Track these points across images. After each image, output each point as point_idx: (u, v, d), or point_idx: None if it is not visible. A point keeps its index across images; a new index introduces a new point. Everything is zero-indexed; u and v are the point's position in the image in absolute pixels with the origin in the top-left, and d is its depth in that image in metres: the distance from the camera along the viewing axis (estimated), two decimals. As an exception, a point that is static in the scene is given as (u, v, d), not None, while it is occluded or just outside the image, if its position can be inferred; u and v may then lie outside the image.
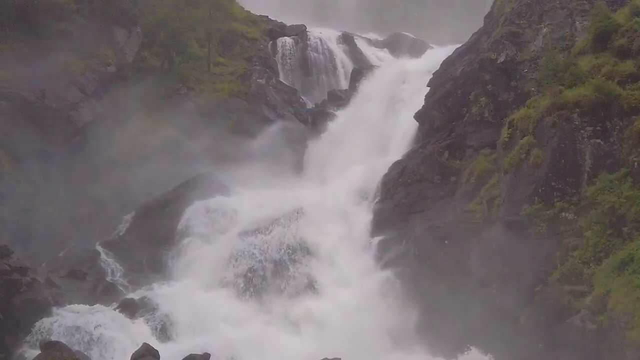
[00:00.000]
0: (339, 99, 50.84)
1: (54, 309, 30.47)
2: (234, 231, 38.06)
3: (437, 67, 42.78)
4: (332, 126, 47.88)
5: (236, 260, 36.25)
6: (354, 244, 37.03)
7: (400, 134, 42.64)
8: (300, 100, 51.93)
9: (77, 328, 29.58)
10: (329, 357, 27.59)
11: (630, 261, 25.82)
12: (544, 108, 30.51)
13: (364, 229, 37.26)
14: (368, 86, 49.32)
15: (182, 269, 36.83)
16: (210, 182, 40.83)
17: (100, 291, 34.15)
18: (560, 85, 30.44)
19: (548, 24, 35.89)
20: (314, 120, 49.46)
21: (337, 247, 37.01)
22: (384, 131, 44.02)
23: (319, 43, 57.58)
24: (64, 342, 28.10)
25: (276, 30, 58.72)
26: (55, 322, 29.75)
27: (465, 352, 28.42)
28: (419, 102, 41.38)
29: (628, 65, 29.96)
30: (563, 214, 28.91)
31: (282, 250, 36.47)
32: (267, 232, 37.43)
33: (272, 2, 69.66)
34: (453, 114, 38.20)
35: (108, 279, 35.74)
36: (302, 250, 36.54)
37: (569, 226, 28.62)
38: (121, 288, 35.02)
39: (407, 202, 36.53)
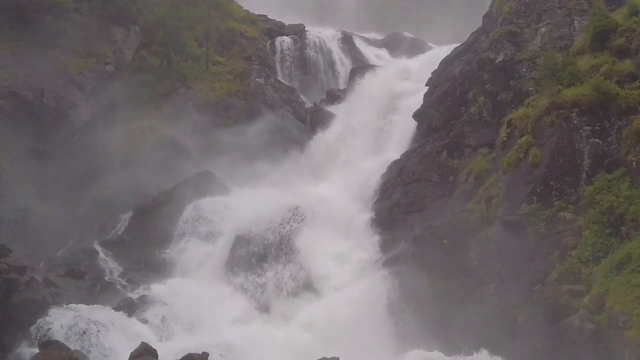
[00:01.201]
0: (338, 98, 50.83)
1: (52, 308, 30.39)
2: (217, 264, 36.11)
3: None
4: (330, 125, 47.91)
5: (222, 311, 33.38)
6: (356, 242, 36.82)
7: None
8: (299, 99, 51.94)
9: (76, 327, 29.47)
10: (327, 357, 27.54)
11: (628, 260, 25.83)
12: (543, 107, 30.52)
13: (362, 229, 37.21)
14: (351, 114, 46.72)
15: (180, 268, 36.79)
16: (208, 181, 40.83)
17: (99, 290, 34.11)
18: (558, 85, 30.45)
19: (547, 24, 35.89)
20: (313, 120, 49.45)
21: (345, 276, 34.89)
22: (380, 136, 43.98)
23: (317, 42, 57.59)
24: (62, 341, 28.09)
25: (275, 30, 58.69)
26: (53, 321, 29.65)
27: (464, 352, 28.37)
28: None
29: (626, 65, 29.99)
30: (561, 213, 28.93)
31: (282, 296, 34.51)
32: (259, 273, 35.29)
33: (271, 2, 69.61)
34: (451, 113, 38.19)
35: (106, 278, 35.70)
36: (305, 289, 34.53)
37: (568, 225, 28.64)
38: (119, 287, 35.00)
39: (405, 201, 36.52)
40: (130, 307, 32.05)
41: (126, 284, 35.51)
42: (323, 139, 47.32)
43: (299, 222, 37.19)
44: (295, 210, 37.62)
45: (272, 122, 47.54)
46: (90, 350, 29.09)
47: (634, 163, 27.76)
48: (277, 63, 56.15)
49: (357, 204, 39.44)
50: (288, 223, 37.10)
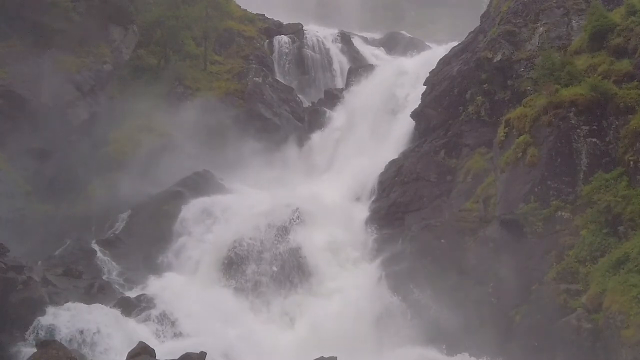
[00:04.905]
0: (336, 97, 50.82)
1: (50, 308, 30.34)
2: (215, 264, 35.60)
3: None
4: (328, 125, 47.92)
5: (220, 310, 33.00)
6: (354, 241, 36.76)
7: None
8: (297, 98, 51.88)
9: (73, 326, 29.43)
10: (325, 356, 27.54)
11: (625, 260, 25.87)
12: (540, 107, 30.56)
13: (360, 228, 37.21)
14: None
15: (178, 267, 36.77)
16: (206, 180, 40.84)
17: (97, 290, 33.98)
18: (556, 84, 30.51)
19: (544, 23, 35.92)
20: (310, 119, 49.44)
21: (344, 276, 34.95)
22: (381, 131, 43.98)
23: (315, 41, 57.51)
24: (60, 341, 28.07)
25: (273, 29, 58.62)
26: (51, 320, 29.63)
27: (462, 351, 28.39)
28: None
29: (624, 65, 30.05)
30: (559, 212, 28.96)
31: (280, 296, 34.51)
32: (258, 272, 34.87)
33: (271, 0, 69.53)
34: (449, 112, 38.21)
35: (104, 277, 35.70)
36: (303, 288, 34.63)
37: (565, 225, 28.68)
38: (117, 287, 34.97)
39: (403, 200, 36.57)
40: (128, 307, 32.00)
41: (124, 283, 35.53)
42: (321, 138, 47.35)
43: (297, 222, 37.15)
44: (293, 210, 37.57)
45: (270, 121, 47.51)
46: (87, 350, 29.05)
47: (631, 162, 27.79)
48: (275, 62, 56.07)
49: (355, 203, 39.48)
50: (286, 222, 37.04)
